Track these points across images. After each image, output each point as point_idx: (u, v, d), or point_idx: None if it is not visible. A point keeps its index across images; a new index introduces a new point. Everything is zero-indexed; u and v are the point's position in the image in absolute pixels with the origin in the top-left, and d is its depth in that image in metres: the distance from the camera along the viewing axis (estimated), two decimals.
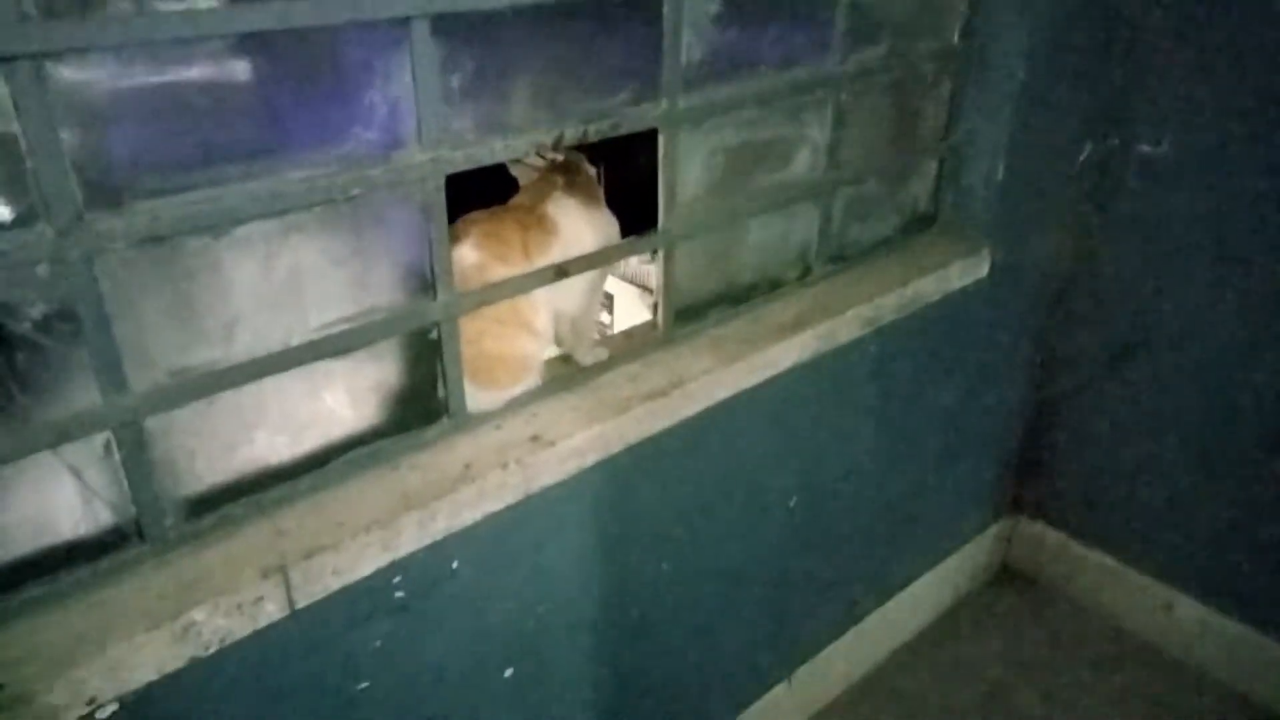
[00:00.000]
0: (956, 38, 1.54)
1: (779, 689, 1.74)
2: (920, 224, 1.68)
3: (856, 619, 1.87)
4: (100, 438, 0.86)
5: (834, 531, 1.68)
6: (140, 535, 0.91)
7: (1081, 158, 1.80)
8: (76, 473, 0.87)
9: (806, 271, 1.49)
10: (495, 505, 1.08)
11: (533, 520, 1.15)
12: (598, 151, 1.25)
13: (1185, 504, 1.91)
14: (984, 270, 1.66)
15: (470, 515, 1.06)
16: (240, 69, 0.85)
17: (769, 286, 1.45)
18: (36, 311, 0.78)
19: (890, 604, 1.94)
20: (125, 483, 0.88)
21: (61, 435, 0.82)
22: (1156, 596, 2.00)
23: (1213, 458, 1.84)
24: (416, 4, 0.89)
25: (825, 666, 1.83)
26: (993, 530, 2.16)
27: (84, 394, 0.83)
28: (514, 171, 1.25)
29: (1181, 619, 1.97)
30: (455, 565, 1.10)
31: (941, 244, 1.66)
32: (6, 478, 0.82)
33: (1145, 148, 1.75)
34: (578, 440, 1.14)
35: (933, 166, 1.65)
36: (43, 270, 0.77)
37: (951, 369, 1.76)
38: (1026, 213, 1.72)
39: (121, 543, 0.90)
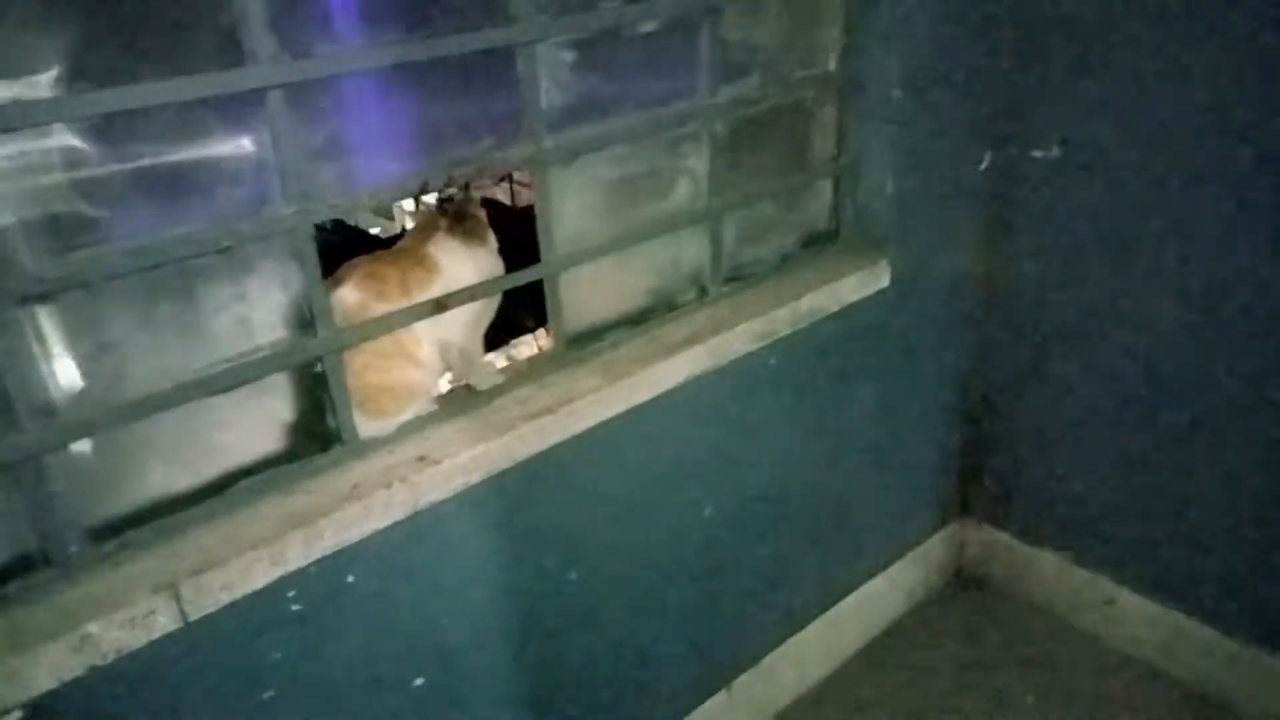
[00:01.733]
0: (833, 65, 1.65)
1: (719, 698, 1.80)
2: (822, 241, 1.77)
3: (798, 627, 1.93)
4: (2, 476, 0.97)
5: (758, 540, 1.75)
6: (46, 561, 1.02)
7: (983, 166, 1.88)
8: None
9: (703, 292, 1.59)
10: (383, 521, 1.18)
11: (426, 534, 1.24)
12: None
13: (1116, 498, 1.95)
14: (884, 281, 1.74)
15: (358, 531, 1.16)
16: (104, 137, 0.97)
17: (665, 308, 1.55)
18: None
19: (835, 611, 2.00)
20: (29, 515, 1.00)
21: None
22: (1099, 591, 2.04)
23: (1134, 452, 1.89)
24: (267, 76, 1.01)
25: (769, 675, 1.89)
26: (941, 535, 2.21)
27: None
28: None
29: (1123, 612, 2.01)
30: (351, 579, 1.19)
31: (842, 259, 1.74)
32: None
33: (1038, 153, 1.83)
34: (463, 459, 1.23)
35: (829, 186, 1.75)
36: None
37: (865, 376, 1.83)
38: (927, 223, 1.81)
39: (28, 568, 1.01)
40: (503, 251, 1.36)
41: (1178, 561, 1.90)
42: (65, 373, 0.99)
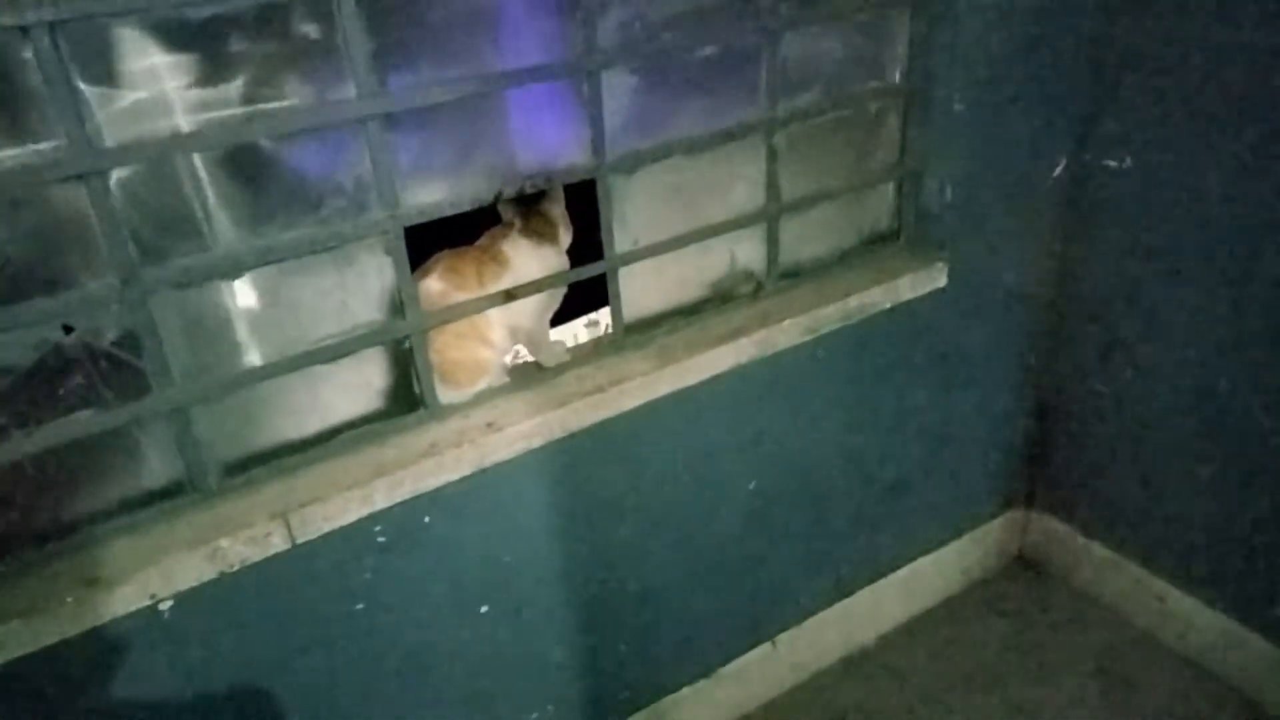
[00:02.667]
0: (898, 77, 1.74)
1: (763, 649, 1.99)
2: (884, 240, 1.88)
3: (845, 593, 2.09)
4: (161, 420, 1.26)
5: (803, 513, 1.91)
6: (192, 487, 1.31)
7: (1056, 173, 1.93)
8: (148, 443, 1.27)
9: (759, 287, 1.74)
10: (454, 475, 1.41)
11: (490, 488, 1.48)
12: None
13: (1172, 500, 2.00)
14: (941, 281, 1.84)
15: (434, 481, 1.40)
16: (234, 158, 1.22)
17: (721, 301, 1.71)
18: (112, 334, 1.19)
19: (884, 582, 2.14)
20: (180, 452, 1.28)
21: (134, 419, 1.23)
22: (1151, 588, 2.09)
23: (1192, 457, 1.93)
24: (367, 109, 1.23)
25: (814, 635, 2.06)
26: (1001, 520, 2.30)
27: (147, 390, 1.23)
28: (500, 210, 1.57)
29: (1173, 611, 2.06)
30: (427, 520, 1.44)
31: (901, 258, 1.85)
32: (105, 447, 1.23)
33: (1110, 163, 1.87)
34: (524, 426, 1.45)
35: (891, 189, 1.85)
36: (114, 308, 1.17)
37: (920, 370, 1.94)
38: (990, 227, 1.88)
39: (178, 492, 1.30)
40: None
41: (1230, 566, 1.93)
42: (215, 341, 1.27)
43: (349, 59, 1.21)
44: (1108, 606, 2.19)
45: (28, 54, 1.03)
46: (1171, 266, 1.84)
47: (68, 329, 1.15)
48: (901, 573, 2.17)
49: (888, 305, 1.79)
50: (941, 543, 2.22)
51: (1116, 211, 1.89)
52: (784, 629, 2.01)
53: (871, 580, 2.13)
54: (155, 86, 1.12)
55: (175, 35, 1.12)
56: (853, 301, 1.74)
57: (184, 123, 1.15)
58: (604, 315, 1.67)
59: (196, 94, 1.15)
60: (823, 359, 1.78)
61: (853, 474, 1.96)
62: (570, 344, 1.65)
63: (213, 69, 1.15)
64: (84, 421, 1.19)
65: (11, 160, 1.06)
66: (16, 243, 1.11)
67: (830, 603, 2.07)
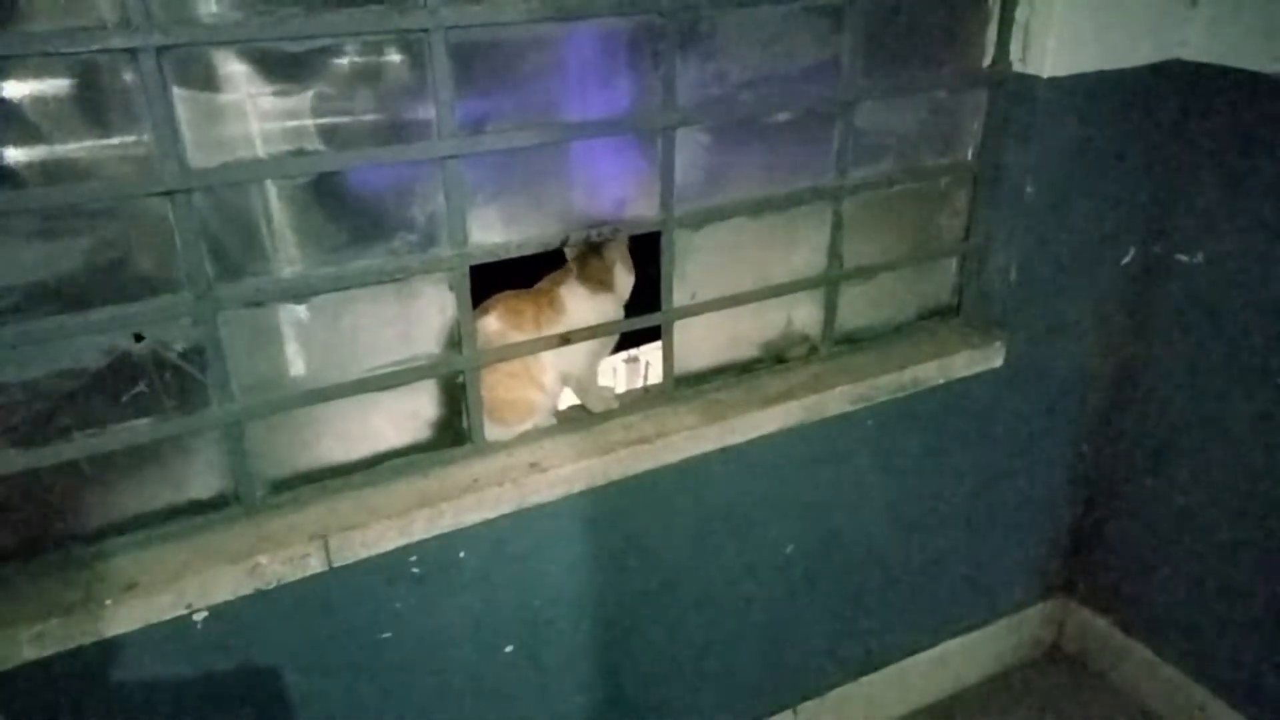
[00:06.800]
0: (970, 156, 1.74)
1: (783, 716, 1.95)
2: (942, 315, 1.87)
3: (873, 667, 2.04)
4: (215, 432, 1.28)
5: (838, 582, 1.88)
6: (238, 500, 1.33)
7: (1125, 262, 1.90)
8: (199, 454, 1.30)
9: (813, 350, 1.73)
10: (493, 513, 1.42)
11: (528, 528, 1.48)
12: None
13: (1217, 605, 1.93)
14: (997, 361, 1.82)
15: (473, 517, 1.41)
16: (314, 185, 1.25)
17: (773, 361, 1.71)
18: (180, 346, 1.22)
19: (913, 661, 2.09)
20: (230, 465, 1.31)
21: (191, 430, 1.25)
22: (1189, 696, 2.02)
23: (1242, 566, 1.86)
24: (448, 149, 1.26)
25: (837, 707, 2.02)
26: (1039, 609, 2.24)
27: (207, 403, 1.25)
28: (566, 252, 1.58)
29: None
30: (462, 555, 1.45)
31: (959, 335, 1.83)
32: (158, 454, 1.26)
33: (1182, 258, 1.84)
34: (566, 470, 1.46)
35: (954, 264, 1.84)
36: (185, 321, 1.20)
37: (968, 449, 1.91)
38: (1051, 311, 1.86)
39: (223, 504, 1.32)
40: None
41: (1275, 683, 1.86)
42: (275, 360, 1.29)
43: (435, 100, 1.24)
44: (1144, 710, 2.12)
45: (131, 74, 1.07)
46: (1239, 368, 1.79)
47: (139, 337, 1.18)
48: (932, 653, 2.12)
49: (941, 380, 1.77)
50: (975, 626, 2.17)
51: (1184, 307, 1.86)
52: (806, 698, 1.98)
53: (901, 657, 2.08)
54: (242, 107, 1.16)
55: (270, 62, 1.16)
56: (906, 374, 1.72)
57: (267, 143, 1.18)
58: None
59: (280, 116, 1.19)
60: (871, 429, 1.76)
61: (891, 547, 1.93)
62: (608, 378, 1.65)
63: (301, 95, 1.19)
64: (143, 429, 1.22)
65: (103, 169, 1.10)
66: (98, 250, 1.15)
67: (856, 675, 2.03)
